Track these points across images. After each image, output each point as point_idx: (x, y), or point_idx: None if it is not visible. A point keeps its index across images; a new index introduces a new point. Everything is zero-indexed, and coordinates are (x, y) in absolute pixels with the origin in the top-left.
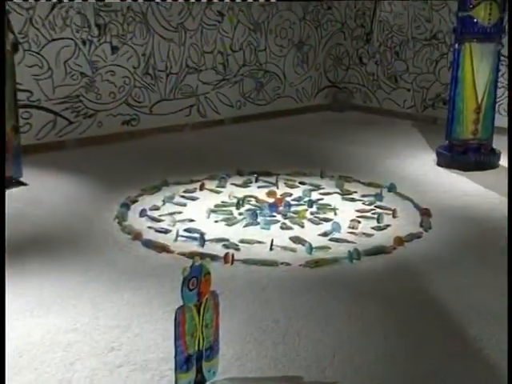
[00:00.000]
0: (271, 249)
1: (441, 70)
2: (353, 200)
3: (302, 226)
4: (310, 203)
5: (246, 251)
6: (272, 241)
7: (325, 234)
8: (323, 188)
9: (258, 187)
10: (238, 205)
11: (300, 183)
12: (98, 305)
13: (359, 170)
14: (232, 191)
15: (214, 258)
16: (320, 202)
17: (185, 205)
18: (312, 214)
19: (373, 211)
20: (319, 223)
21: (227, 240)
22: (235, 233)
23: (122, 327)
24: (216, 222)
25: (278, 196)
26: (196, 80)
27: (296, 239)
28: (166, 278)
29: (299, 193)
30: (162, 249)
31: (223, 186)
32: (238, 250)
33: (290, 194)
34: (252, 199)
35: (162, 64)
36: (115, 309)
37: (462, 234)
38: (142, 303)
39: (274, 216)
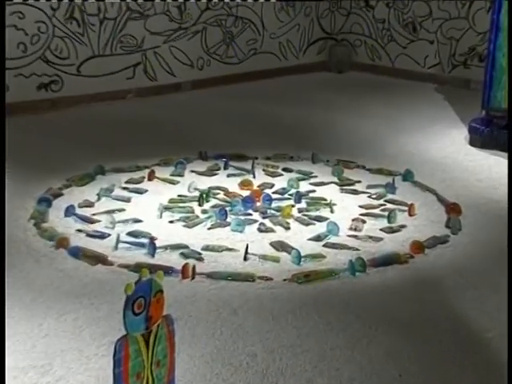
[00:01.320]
0: (246, 258)
1: (476, 15)
2: (355, 192)
3: (287, 228)
4: (298, 197)
5: (211, 262)
6: (247, 247)
7: (318, 238)
8: (315, 176)
9: (228, 176)
10: (201, 200)
11: (284, 170)
12: (7, 338)
13: (364, 152)
14: (193, 182)
15: (168, 271)
16: (311, 195)
17: (128, 200)
18: (300, 211)
19: (382, 207)
20: (310, 223)
21: (186, 247)
22: (197, 237)
23: (40, 368)
24: (171, 222)
25: (255, 188)
26: (141, 29)
27: (279, 245)
28: (101, 298)
29: (283, 183)
30: (97, 260)
31: (180, 175)
32: (200, 260)
33: (271, 185)
34: (220, 192)
35: (92, 5)
36: (29, 343)
37: (502, 238)
38: (68, 334)
39: (250, 214)
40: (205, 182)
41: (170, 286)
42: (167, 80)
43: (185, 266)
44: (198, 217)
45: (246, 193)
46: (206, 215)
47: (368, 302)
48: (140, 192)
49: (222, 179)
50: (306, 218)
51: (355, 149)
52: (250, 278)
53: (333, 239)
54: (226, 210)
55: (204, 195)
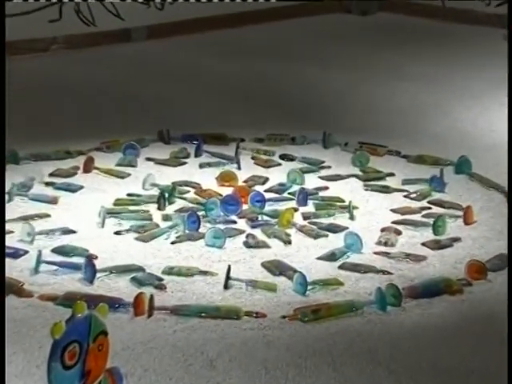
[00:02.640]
0: (227, 286)
1: None
2: (386, 190)
3: (288, 242)
4: (303, 197)
5: (177, 291)
6: (228, 270)
7: (332, 257)
8: (328, 167)
9: (202, 166)
10: (162, 201)
11: (283, 158)
12: None
13: (399, 132)
14: (149, 175)
15: (114, 304)
16: (322, 194)
17: (54, 201)
18: (307, 217)
19: (426, 212)
20: (320, 235)
21: (140, 270)
22: (156, 255)
23: None
24: (118, 234)
25: (241, 184)
26: None
27: (275, 266)
28: (15, 346)
29: (281, 177)
30: (9, 288)
31: (131, 165)
32: (161, 288)
33: (264, 180)
34: (189, 190)
35: None
36: None
37: None
38: None
39: (233, 222)
40: (167, 176)
41: (118, 326)
42: (110, 25)
43: (138, 298)
44: (157, 226)
45: (227, 191)
46: (168, 223)
47: (404, 350)
48: (72, 189)
49: (192, 171)
50: (314, 227)
51: (386, 126)
52: (234, 314)
53: (353, 258)
54: (197, 216)
55: (166, 194)
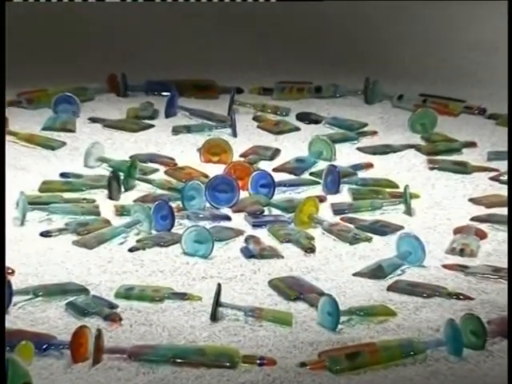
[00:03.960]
0: (215, 316)
1: None
2: (463, 169)
3: (309, 249)
4: (333, 180)
5: (139, 324)
6: (218, 292)
7: (378, 273)
8: (373, 133)
9: (177, 131)
10: (115, 185)
11: (302, 119)
12: None
13: (482, 79)
14: (95, 144)
15: (42, 344)
16: (363, 174)
17: None
18: (339, 211)
19: None
20: (360, 239)
21: (82, 291)
22: (106, 269)
23: None
24: (47, 235)
25: (237, 159)
26: None
27: (290, 286)
28: None
29: (300, 148)
30: None
31: (67, 129)
32: (114, 320)
33: (273, 154)
34: (157, 168)
35: None
36: None
37: None
38: None
39: (225, 218)
40: (122, 146)
41: (48, 377)
42: None
43: (79, 335)
44: (107, 223)
45: (215, 170)
46: (125, 220)
47: None
48: None
49: (161, 139)
50: (350, 226)
51: (461, 69)
52: (227, 359)
53: (411, 274)
54: (170, 209)
55: (121, 175)
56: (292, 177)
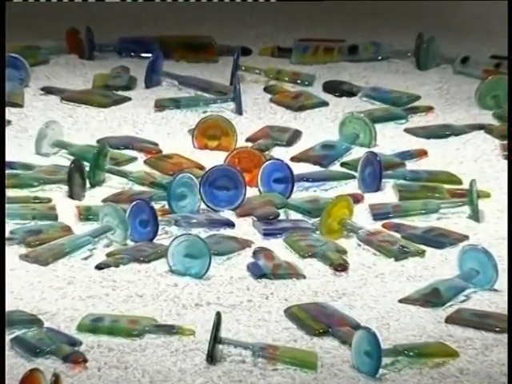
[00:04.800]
0: (213, 357)
1: None
2: None
3: (340, 266)
4: (373, 173)
5: (109, 367)
6: (218, 324)
7: (433, 298)
8: (427, 109)
9: (161, 106)
10: (77, 179)
11: (331, 90)
12: None
13: None
14: (50, 124)
15: None
16: (413, 166)
17: None
18: (380, 215)
19: None
20: (408, 252)
21: (33, 321)
22: (66, 292)
23: None
24: None
25: (243, 144)
26: None
27: (314, 317)
28: None
29: (328, 130)
30: None
31: (13, 102)
32: (76, 361)
33: (291, 137)
34: (135, 156)
35: None
36: None
37: None
38: None
39: (227, 225)
40: (88, 127)
41: None
42: None
43: (29, 380)
44: (67, 230)
45: (214, 159)
46: (91, 227)
47: None
48: None
49: (140, 117)
50: (396, 236)
51: None
52: None
53: (478, 300)
54: (152, 212)
55: (86, 166)
56: (317, 169)
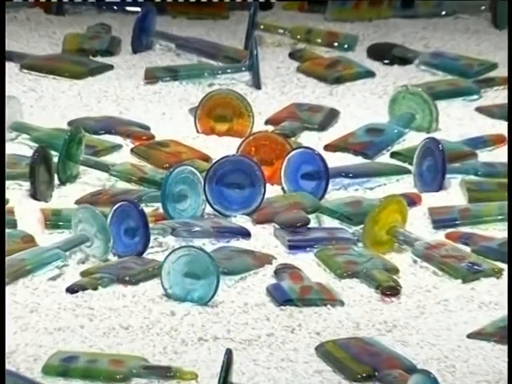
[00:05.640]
0: None
1: None
2: None
3: (392, 291)
4: (433, 166)
5: None
6: (227, 366)
7: None
8: (504, 83)
9: (151, 80)
10: (42, 172)
11: (379, 56)
12: None
13: None
14: (9, 100)
15: None
16: (486, 157)
17: None
18: (441, 222)
19: None
20: (479, 272)
21: None
22: (28, 324)
23: None
24: None
25: (262, 130)
26: None
27: (351, 356)
28: None
29: (374, 110)
30: None
31: None
32: None
33: (326, 118)
34: (119, 144)
35: None
36: None
37: None
38: None
39: (240, 234)
40: (58, 105)
41: None
42: None
43: None
44: (30, 241)
45: (223, 147)
46: (61, 237)
47: None
48: None
49: (126, 91)
50: (463, 249)
51: None
52: None
53: None
54: (142, 216)
55: (55, 155)
56: (360, 160)
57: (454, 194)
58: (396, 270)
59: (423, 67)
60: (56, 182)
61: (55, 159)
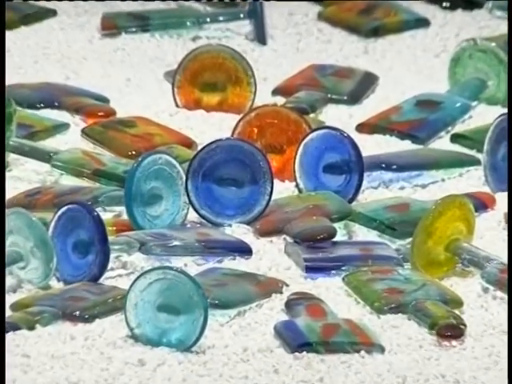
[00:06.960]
0: None
1: None
2: None
3: (452, 331)
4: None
5: None
6: None
7: None
8: None
9: (111, 32)
10: None
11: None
12: None
13: None
14: None
15: None
16: None
17: None
18: None
19: None
20: None
21: None
22: None
23: None
24: None
25: (268, 104)
26: None
27: None
28: None
29: (427, 75)
30: None
31: None
32: None
33: (356, 88)
34: (69, 121)
35: None
36: None
37: None
38: None
39: (238, 250)
40: None
41: None
42: None
43: None
44: None
45: (212, 127)
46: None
47: None
48: None
49: (73, 48)
50: None
51: None
52: None
53: None
54: (98, 225)
55: None
56: (407, 146)
57: None
58: (459, 303)
59: (498, 13)
60: None
61: None
